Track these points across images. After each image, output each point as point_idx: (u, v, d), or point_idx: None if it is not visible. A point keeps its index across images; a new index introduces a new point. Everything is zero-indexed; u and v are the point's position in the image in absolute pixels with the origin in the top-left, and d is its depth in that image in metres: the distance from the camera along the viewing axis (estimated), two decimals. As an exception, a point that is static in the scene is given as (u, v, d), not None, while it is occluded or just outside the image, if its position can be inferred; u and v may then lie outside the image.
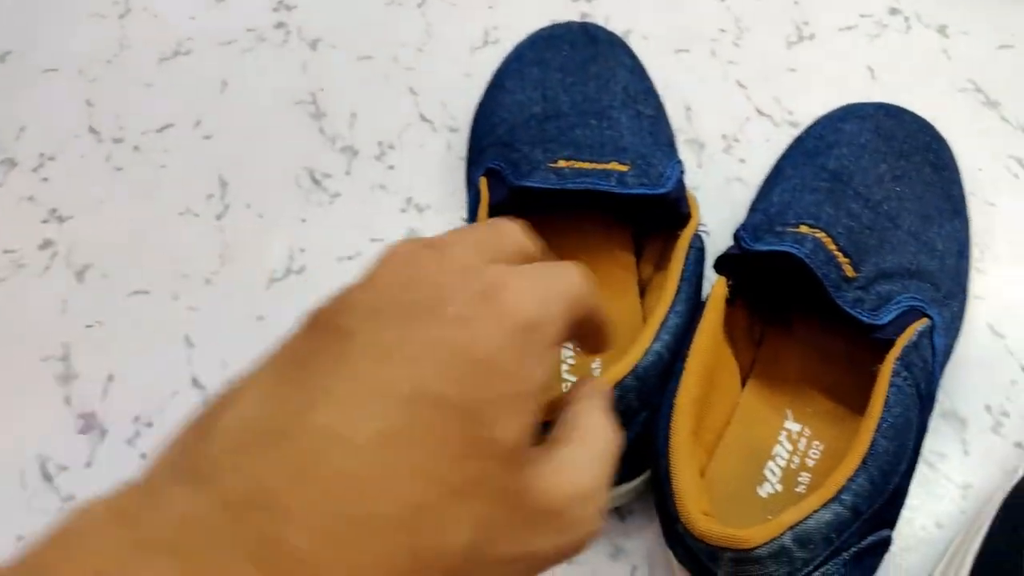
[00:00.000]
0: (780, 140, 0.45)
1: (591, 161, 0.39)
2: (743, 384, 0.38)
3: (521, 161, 0.40)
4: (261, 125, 0.50)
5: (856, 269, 0.35)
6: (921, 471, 0.38)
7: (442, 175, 0.48)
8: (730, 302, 0.37)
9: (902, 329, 0.34)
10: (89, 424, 0.41)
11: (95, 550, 0.15)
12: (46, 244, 0.46)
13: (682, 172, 0.40)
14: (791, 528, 0.29)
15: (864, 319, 0.34)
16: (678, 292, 0.36)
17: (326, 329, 0.19)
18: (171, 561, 0.14)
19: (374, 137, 0.49)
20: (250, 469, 0.16)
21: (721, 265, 0.37)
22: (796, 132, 0.45)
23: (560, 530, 0.19)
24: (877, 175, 0.39)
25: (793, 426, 0.37)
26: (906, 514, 0.35)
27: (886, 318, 0.35)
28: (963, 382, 0.40)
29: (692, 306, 0.37)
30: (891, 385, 0.32)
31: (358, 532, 0.16)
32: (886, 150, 0.40)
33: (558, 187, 0.38)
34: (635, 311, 0.40)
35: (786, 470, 0.36)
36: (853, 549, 0.31)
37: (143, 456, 0.41)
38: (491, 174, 0.41)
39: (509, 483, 0.18)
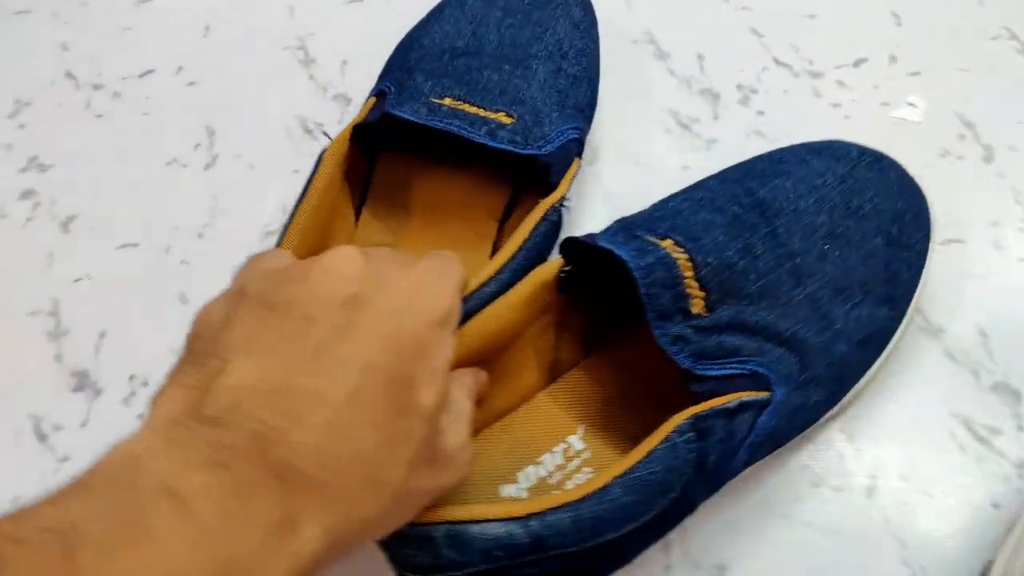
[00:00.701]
0: (800, 92, 0.44)
1: (478, 106, 0.37)
2: (551, 381, 0.36)
3: (407, 88, 0.38)
4: (248, 72, 0.48)
5: (709, 308, 0.31)
6: (973, 448, 0.36)
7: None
8: (568, 291, 0.34)
9: (724, 391, 0.30)
10: (82, 383, 0.40)
11: (150, 468, 0.19)
12: (27, 194, 0.45)
13: (574, 140, 0.38)
14: (449, 524, 0.27)
15: (682, 363, 0.30)
16: (511, 259, 0.34)
17: (281, 310, 0.23)
18: (215, 473, 0.20)
19: (370, 84, 0.47)
20: (259, 415, 0.21)
21: (565, 248, 0.33)
22: (816, 84, 0.43)
23: (452, 471, 0.26)
24: (810, 225, 0.34)
25: (577, 443, 0.34)
26: (960, 494, 0.35)
27: (712, 372, 0.30)
28: (1017, 353, 0.38)
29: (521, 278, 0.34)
30: (665, 440, 0.29)
31: (340, 463, 0.21)
32: (839, 202, 0.35)
33: (422, 122, 0.36)
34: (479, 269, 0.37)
35: (542, 481, 0.33)
36: None
37: (139, 417, 0.40)
38: (380, 95, 0.39)
39: (428, 435, 0.24)
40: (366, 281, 0.24)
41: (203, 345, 0.23)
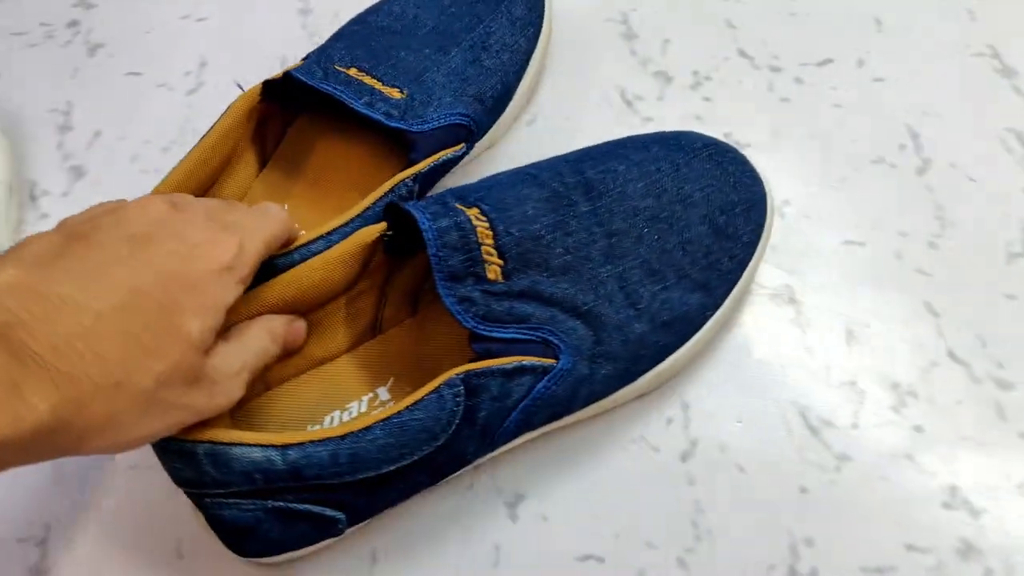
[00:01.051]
0: (755, 84, 0.44)
1: (377, 79, 0.40)
2: (373, 334, 0.38)
3: (324, 54, 0.41)
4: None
5: (505, 275, 0.32)
6: (800, 434, 0.38)
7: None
8: (396, 253, 0.36)
9: (506, 353, 0.32)
10: (78, 172, 0.48)
11: None
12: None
13: (457, 127, 0.40)
14: (211, 443, 0.30)
15: (466, 322, 0.32)
16: (347, 224, 0.36)
17: (80, 237, 0.28)
18: None
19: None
20: (9, 306, 0.25)
21: (387, 212, 0.35)
22: (774, 78, 0.43)
23: (215, 393, 0.30)
24: (634, 208, 0.35)
25: (384, 394, 0.37)
26: (772, 474, 0.37)
27: (494, 334, 0.32)
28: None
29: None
30: (435, 391, 0.31)
31: (80, 358, 0.25)
32: (669, 188, 0.36)
33: (311, 84, 0.39)
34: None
35: (344, 425, 0.35)
36: (282, 504, 0.31)
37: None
38: (306, 58, 0.42)
39: (188, 359, 0.28)
40: (161, 225, 0.29)
41: (9, 254, 0.28)
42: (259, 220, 0.33)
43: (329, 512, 0.32)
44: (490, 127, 0.44)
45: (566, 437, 0.39)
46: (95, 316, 0.26)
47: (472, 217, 0.33)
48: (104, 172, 0.48)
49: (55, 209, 0.47)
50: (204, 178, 0.39)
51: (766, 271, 0.42)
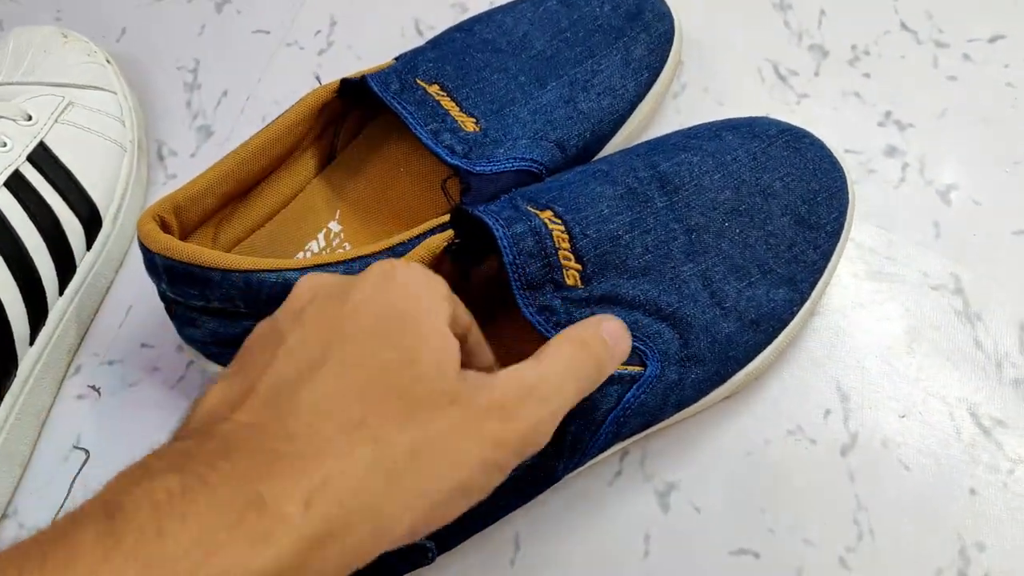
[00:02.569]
0: (918, 60, 0.42)
1: (456, 103, 0.37)
2: None
3: (411, 61, 0.39)
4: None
5: (585, 280, 0.30)
6: (968, 432, 0.36)
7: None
8: (466, 261, 0.33)
9: None
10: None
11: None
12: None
13: (523, 172, 0.36)
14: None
15: (548, 333, 0.29)
16: (404, 242, 0.34)
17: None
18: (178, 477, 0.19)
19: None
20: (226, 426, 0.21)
21: (453, 219, 0.33)
22: (939, 54, 0.40)
23: (505, 418, 0.23)
24: (712, 201, 0.33)
25: None
26: (938, 468, 0.35)
27: None
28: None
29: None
30: None
31: (319, 435, 0.20)
32: (748, 179, 0.34)
33: (381, 96, 0.36)
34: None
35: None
36: None
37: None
38: (397, 59, 0.40)
39: (446, 388, 0.22)
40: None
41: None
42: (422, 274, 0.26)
43: (418, 540, 0.30)
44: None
45: (716, 425, 0.37)
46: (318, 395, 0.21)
47: (546, 221, 0.30)
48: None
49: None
50: (257, 170, 0.38)
51: (931, 260, 0.40)
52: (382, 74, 0.38)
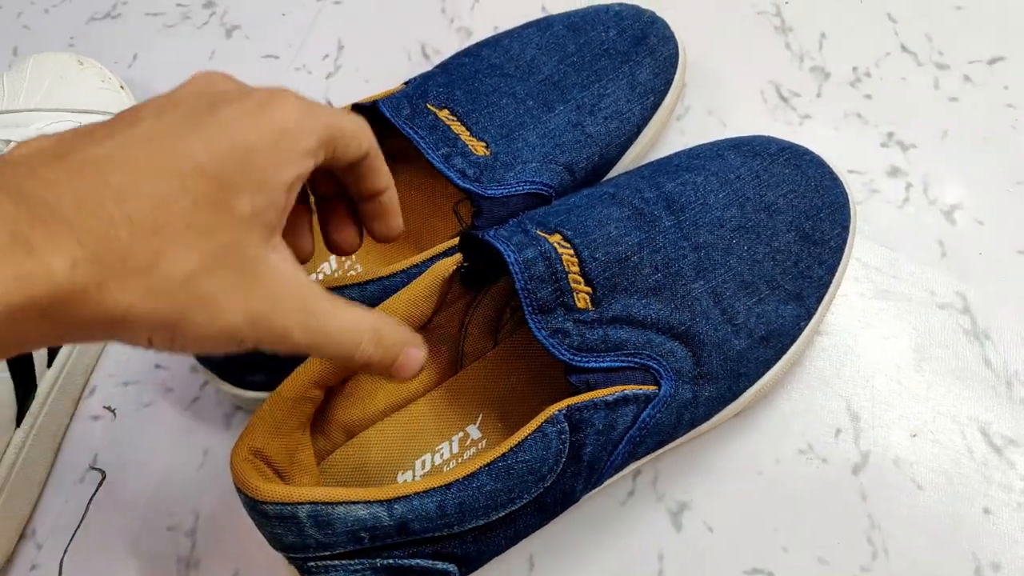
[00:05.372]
0: (920, 82, 0.42)
1: (466, 127, 0.37)
2: (455, 372, 0.36)
3: (418, 83, 0.39)
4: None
5: (595, 302, 0.31)
6: (980, 452, 0.36)
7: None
8: (474, 285, 0.34)
9: (607, 383, 0.30)
10: None
11: None
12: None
13: (533, 196, 0.37)
14: (312, 503, 0.27)
15: (560, 355, 0.30)
16: (395, 275, 0.35)
17: (122, 116, 0.24)
18: None
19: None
20: (31, 164, 0.21)
21: (461, 243, 0.33)
22: (940, 76, 0.41)
23: (263, 288, 0.23)
24: (719, 218, 0.33)
25: (475, 432, 0.35)
26: (947, 489, 0.35)
27: (591, 364, 0.30)
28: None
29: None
30: (537, 431, 0.29)
31: (107, 218, 0.21)
32: (752, 196, 0.34)
33: (393, 120, 0.37)
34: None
35: (436, 469, 0.34)
36: (391, 561, 0.29)
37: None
38: (406, 84, 0.40)
39: (234, 238, 0.23)
40: (212, 93, 0.24)
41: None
42: (327, 107, 0.26)
43: (440, 565, 0.30)
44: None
45: (727, 445, 0.37)
46: (127, 177, 0.21)
47: (556, 245, 0.31)
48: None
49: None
50: None
51: (937, 279, 0.40)
52: (393, 99, 0.38)
